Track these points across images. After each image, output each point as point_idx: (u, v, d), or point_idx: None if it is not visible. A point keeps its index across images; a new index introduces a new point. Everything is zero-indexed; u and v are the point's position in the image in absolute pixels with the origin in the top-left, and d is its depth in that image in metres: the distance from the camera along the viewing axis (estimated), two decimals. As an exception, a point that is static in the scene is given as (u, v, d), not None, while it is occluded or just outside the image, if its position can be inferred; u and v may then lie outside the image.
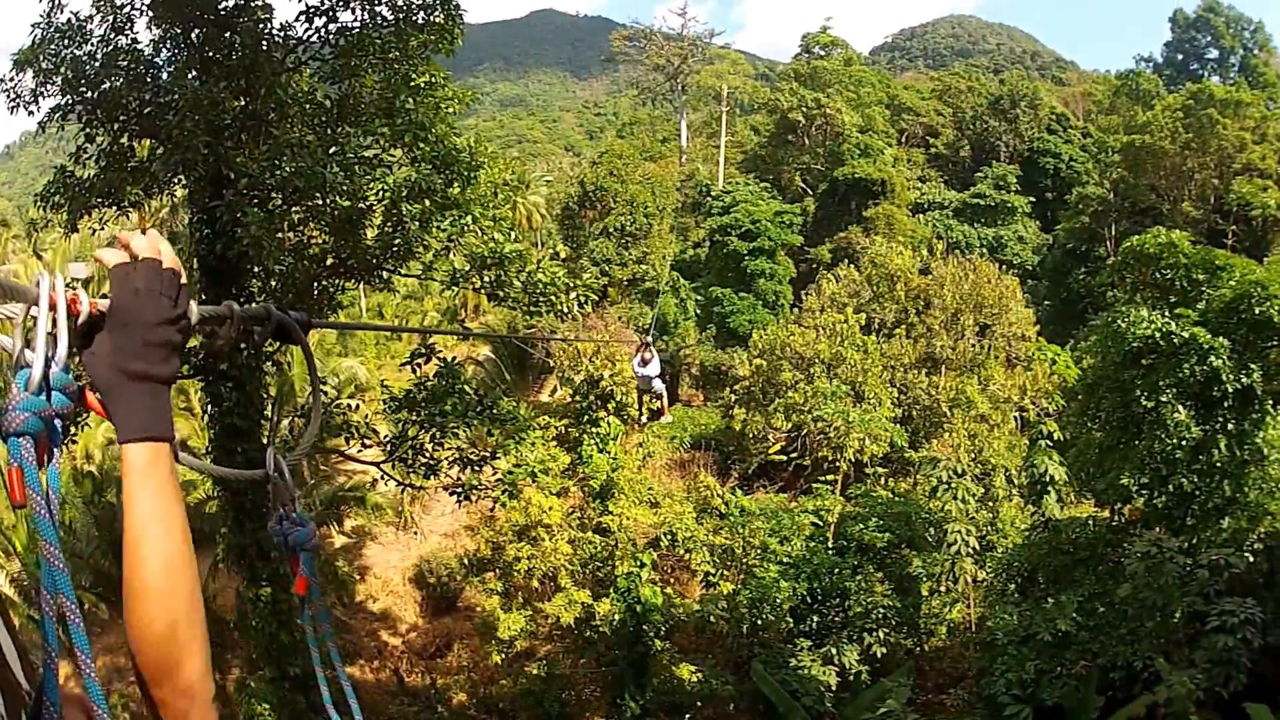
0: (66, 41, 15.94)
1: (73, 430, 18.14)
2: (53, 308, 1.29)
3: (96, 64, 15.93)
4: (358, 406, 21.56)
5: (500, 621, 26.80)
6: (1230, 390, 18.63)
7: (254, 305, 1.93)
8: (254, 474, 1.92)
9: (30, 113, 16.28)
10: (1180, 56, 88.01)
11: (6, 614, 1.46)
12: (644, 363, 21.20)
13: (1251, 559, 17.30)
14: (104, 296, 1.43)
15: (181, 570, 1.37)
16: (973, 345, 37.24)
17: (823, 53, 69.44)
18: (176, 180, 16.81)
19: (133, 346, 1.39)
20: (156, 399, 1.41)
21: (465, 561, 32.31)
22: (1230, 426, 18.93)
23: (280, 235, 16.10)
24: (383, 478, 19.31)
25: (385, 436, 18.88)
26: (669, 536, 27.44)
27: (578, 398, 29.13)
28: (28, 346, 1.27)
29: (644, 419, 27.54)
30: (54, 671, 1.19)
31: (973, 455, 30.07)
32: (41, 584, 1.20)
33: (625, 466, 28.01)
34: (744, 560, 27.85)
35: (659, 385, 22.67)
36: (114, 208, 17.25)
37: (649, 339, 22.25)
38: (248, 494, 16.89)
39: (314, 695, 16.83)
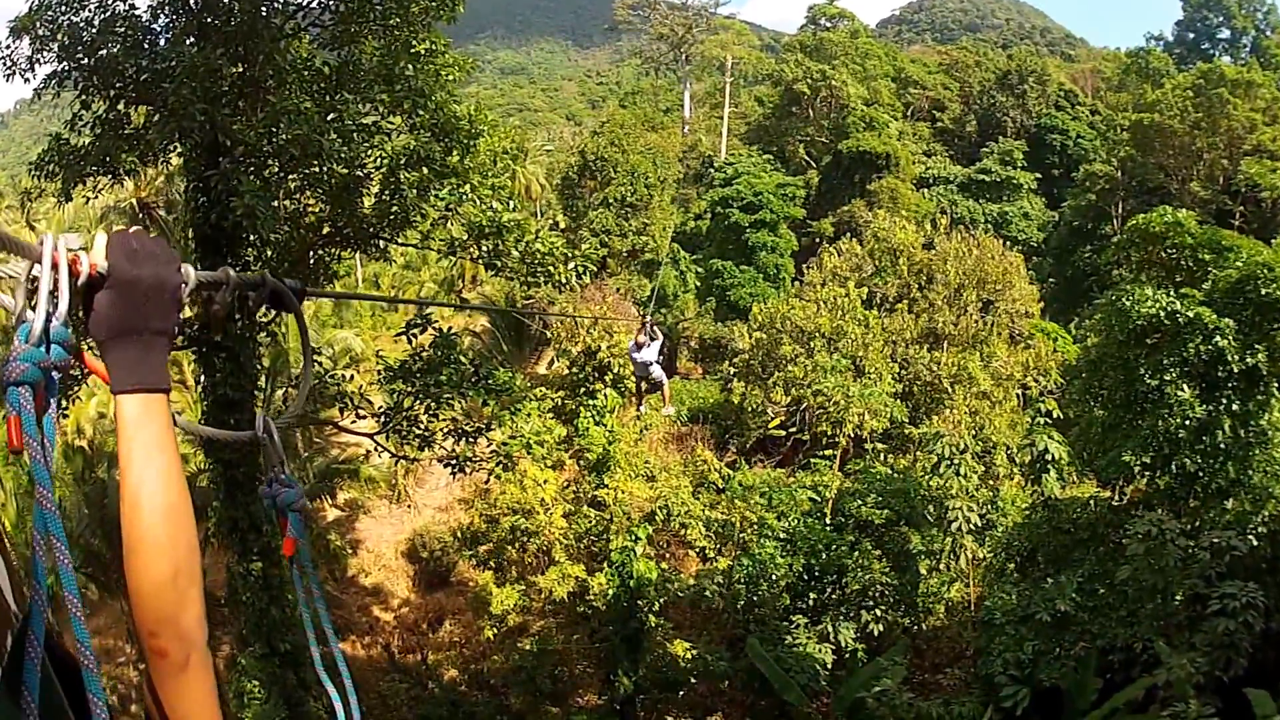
0: (64, 7, 15.75)
1: (64, 405, 18.06)
2: (55, 267, 1.33)
3: (94, 30, 15.72)
4: (352, 377, 21.42)
5: (493, 596, 26.74)
6: (1235, 371, 18.48)
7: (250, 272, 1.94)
8: (243, 435, 2.01)
9: (26, 80, 16.19)
10: (1191, 35, 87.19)
11: (2, 541, 1.52)
12: (639, 347, 18.35)
13: (1255, 542, 17.12)
14: None
15: (179, 519, 1.38)
16: (975, 321, 36.98)
17: (829, 24, 68.81)
18: (173, 148, 16.70)
19: (130, 304, 1.40)
20: (151, 351, 1.42)
21: (458, 535, 32.22)
22: (1235, 407, 18.77)
23: (276, 204, 15.95)
24: (377, 450, 19.23)
25: (380, 408, 18.74)
26: (665, 511, 27.29)
27: (574, 369, 28.87)
28: (30, 304, 1.31)
29: (641, 411, 26.25)
30: (41, 608, 1.21)
31: (974, 432, 29.88)
32: (33, 526, 1.23)
33: (622, 439, 27.78)
34: (741, 535, 27.73)
35: (658, 372, 19.19)
36: (109, 176, 17.08)
37: (648, 316, 19.50)
38: (240, 467, 16.80)
39: (305, 671, 16.89)
